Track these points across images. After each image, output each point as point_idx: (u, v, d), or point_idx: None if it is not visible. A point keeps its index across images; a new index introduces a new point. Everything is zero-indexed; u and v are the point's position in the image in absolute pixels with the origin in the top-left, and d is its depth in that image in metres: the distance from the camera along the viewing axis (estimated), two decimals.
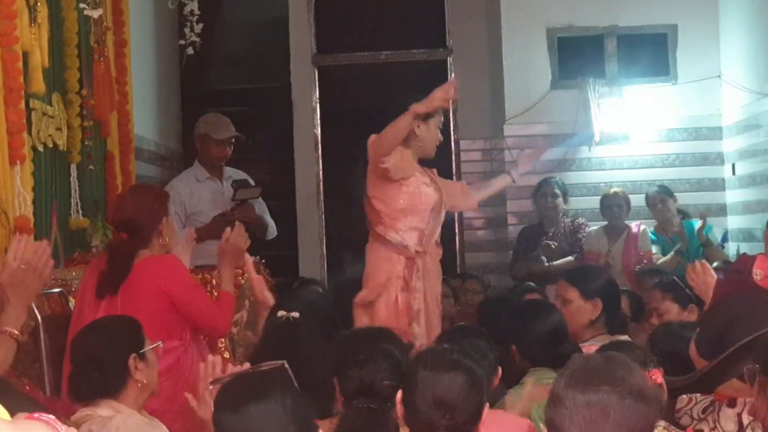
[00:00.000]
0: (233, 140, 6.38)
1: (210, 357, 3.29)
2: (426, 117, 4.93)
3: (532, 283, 6.42)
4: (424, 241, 4.93)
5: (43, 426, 1.53)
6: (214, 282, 4.94)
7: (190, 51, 6.48)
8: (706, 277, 3.89)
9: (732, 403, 3.48)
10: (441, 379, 2.69)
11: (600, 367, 2.20)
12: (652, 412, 2.18)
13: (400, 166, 4.90)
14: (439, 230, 5.05)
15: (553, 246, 7.24)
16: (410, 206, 4.91)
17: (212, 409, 2.54)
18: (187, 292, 4.22)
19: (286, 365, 2.61)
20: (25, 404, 3.11)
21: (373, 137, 4.91)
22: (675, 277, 4.10)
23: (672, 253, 6.95)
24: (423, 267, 4.92)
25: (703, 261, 4.05)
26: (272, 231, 6.51)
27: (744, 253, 5.79)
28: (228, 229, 4.57)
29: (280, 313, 3.44)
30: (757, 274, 3.44)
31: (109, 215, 5.57)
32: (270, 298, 4.32)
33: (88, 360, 3.28)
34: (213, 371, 3.14)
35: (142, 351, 3.34)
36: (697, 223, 7.06)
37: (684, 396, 3.65)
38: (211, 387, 2.80)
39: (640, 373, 2.22)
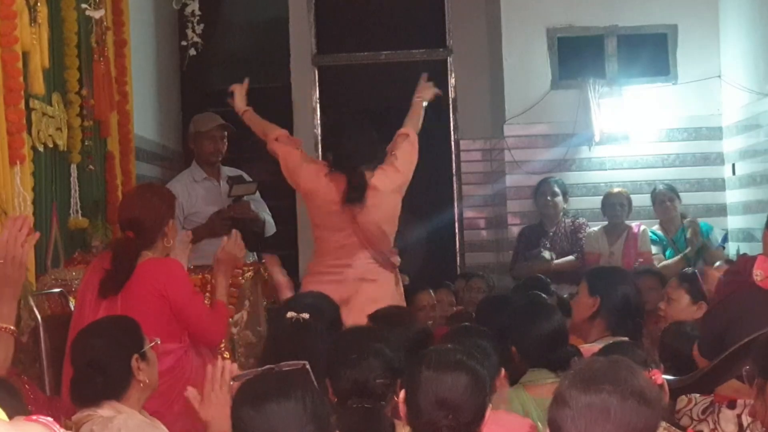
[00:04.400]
0: (225, 135, 6.37)
1: (227, 362, 3.24)
2: None
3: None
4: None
5: (42, 428, 1.53)
6: (214, 282, 4.92)
7: (192, 52, 6.47)
8: None
9: (732, 405, 3.49)
10: (444, 380, 2.68)
11: (603, 369, 2.20)
12: (654, 415, 2.18)
13: None
14: None
15: (549, 258, 7.23)
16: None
17: (229, 406, 2.55)
18: (186, 297, 4.20)
19: (308, 366, 2.61)
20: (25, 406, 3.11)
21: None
22: (696, 271, 4.16)
23: (679, 256, 6.96)
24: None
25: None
26: (271, 228, 6.49)
27: (744, 254, 5.80)
28: (225, 238, 4.55)
29: (290, 314, 3.44)
30: (758, 274, 3.45)
31: (113, 214, 5.55)
32: (286, 283, 4.32)
33: (91, 364, 3.27)
34: (222, 376, 3.11)
35: (143, 350, 3.34)
36: (688, 233, 7.05)
37: (684, 397, 3.65)
38: (232, 383, 2.80)
39: (644, 376, 2.22)
